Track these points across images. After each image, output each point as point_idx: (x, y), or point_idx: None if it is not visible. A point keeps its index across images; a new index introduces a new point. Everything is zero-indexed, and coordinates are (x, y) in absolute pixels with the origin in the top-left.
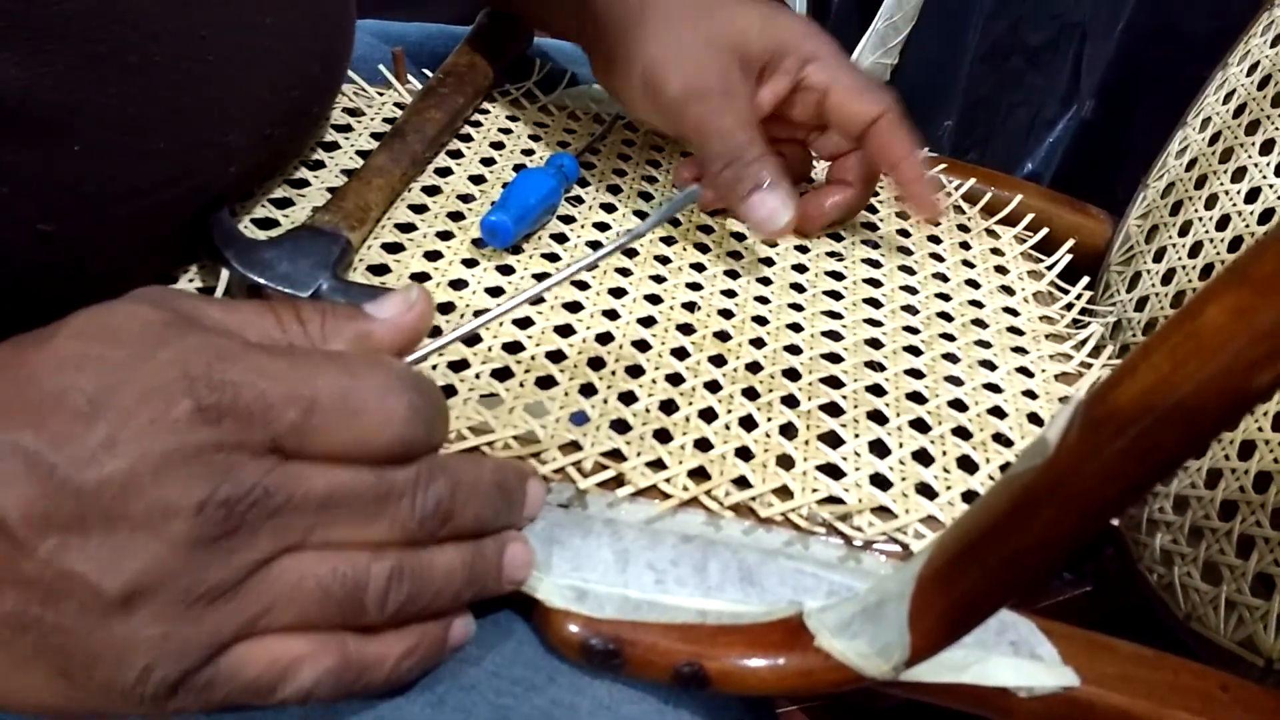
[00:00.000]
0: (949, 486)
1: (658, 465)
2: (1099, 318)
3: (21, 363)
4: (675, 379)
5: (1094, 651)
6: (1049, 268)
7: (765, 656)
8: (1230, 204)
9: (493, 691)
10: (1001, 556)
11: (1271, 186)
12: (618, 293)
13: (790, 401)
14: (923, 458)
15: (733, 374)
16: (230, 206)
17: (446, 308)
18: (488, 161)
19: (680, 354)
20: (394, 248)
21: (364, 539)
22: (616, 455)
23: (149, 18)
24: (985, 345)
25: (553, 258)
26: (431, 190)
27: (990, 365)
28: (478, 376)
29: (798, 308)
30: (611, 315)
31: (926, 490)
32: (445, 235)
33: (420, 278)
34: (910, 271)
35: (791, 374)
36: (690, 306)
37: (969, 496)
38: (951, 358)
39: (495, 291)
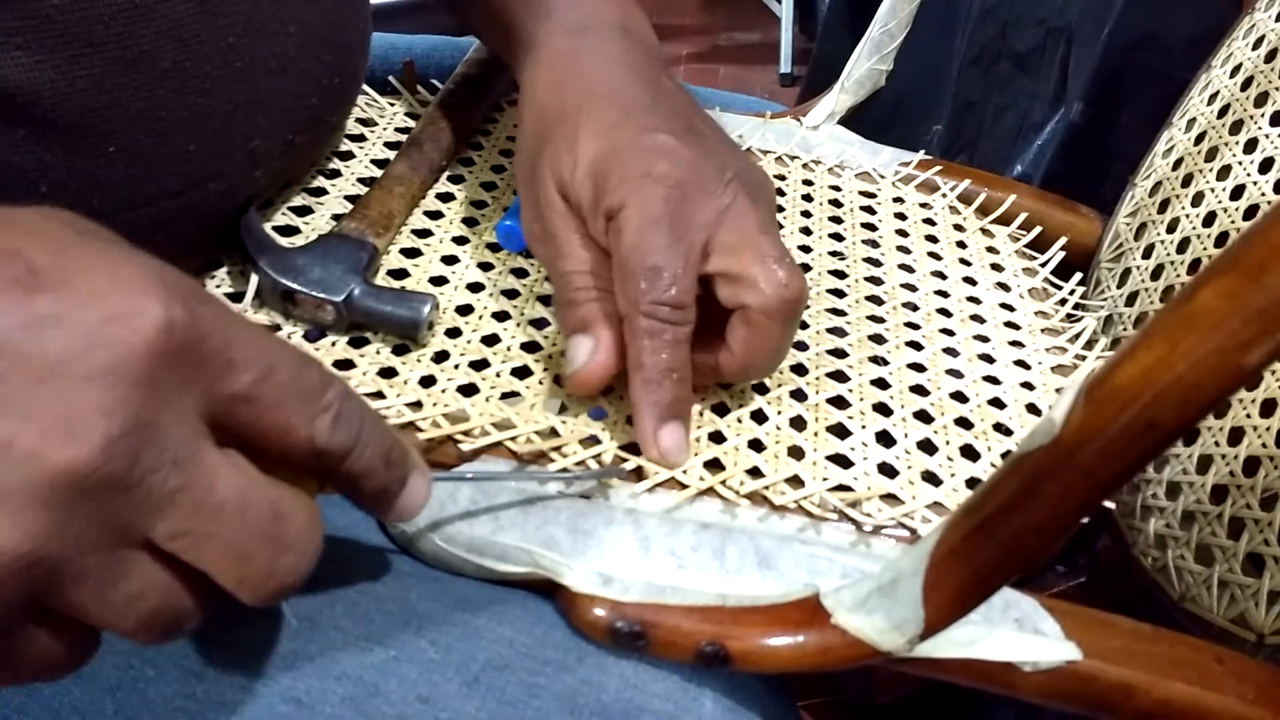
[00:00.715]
0: (953, 474)
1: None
2: (1092, 312)
3: None
4: None
5: (1095, 627)
6: (1043, 265)
7: (785, 635)
8: (1216, 201)
9: (525, 671)
10: (1011, 531)
11: (1256, 184)
12: None
13: (799, 395)
14: (927, 447)
15: None
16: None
17: (465, 310)
18: (499, 169)
19: None
20: (412, 253)
21: (234, 553)
22: (635, 449)
23: (180, 25)
24: (984, 339)
25: None
26: (446, 197)
27: (989, 358)
28: (498, 375)
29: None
30: None
31: (932, 478)
32: (461, 240)
33: (438, 281)
34: (909, 270)
35: (799, 369)
36: None
37: (972, 483)
38: (952, 352)
39: (511, 294)
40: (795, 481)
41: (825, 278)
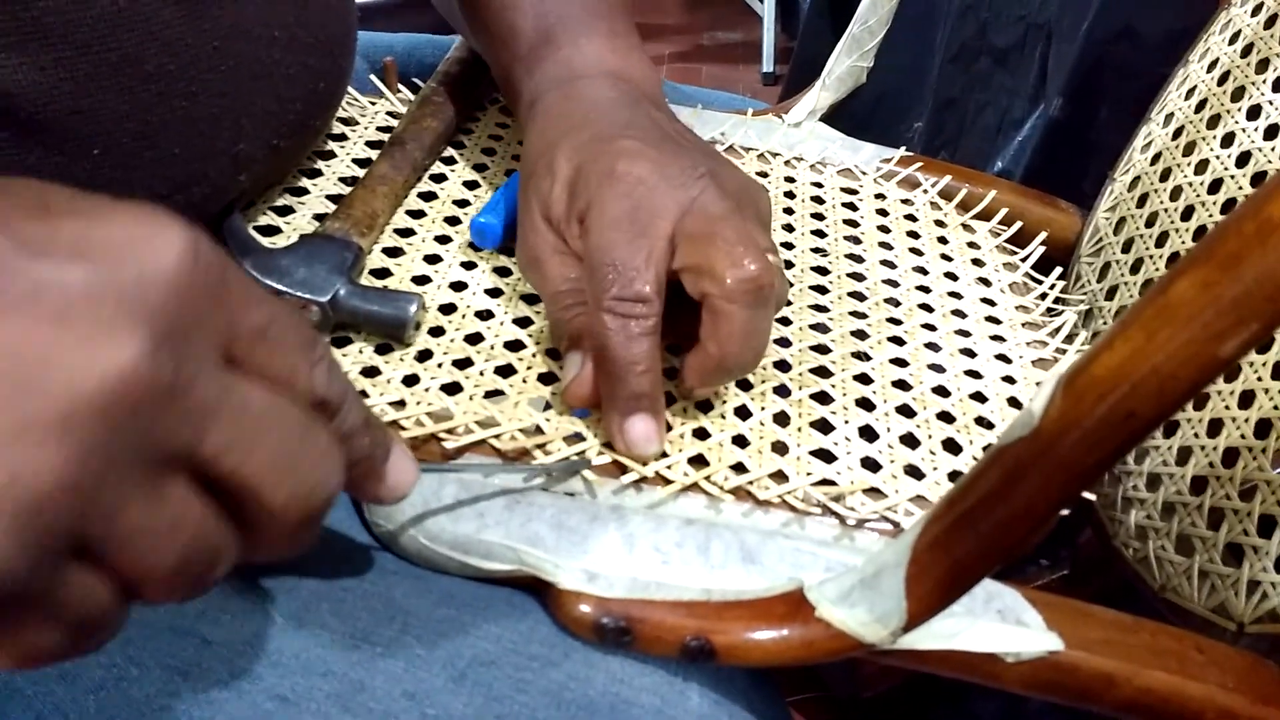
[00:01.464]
0: (935, 467)
1: (659, 454)
2: (1072, 306)
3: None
4: (671, 373)
5: (1076, 617)
6: (1023, 259)
7: (769, 628)
8: (1194, 195)
9: (512, 667)
10: (992, 523)
11: (1233, 177)
12: None
13: (782, 391)
14: (910, 441)
15: None
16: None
17: (448, 309)
18: (480, 168)
19: (675, 349)
20: (394, 252)
21: (280, 463)
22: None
23: (165, 28)
24: (965, 334)
25: None
26: (428, 196)
27: (970, 353)
28: (482, 374)
29: (785, 302)
30: None
31: (914, 471)
32: (443, 239)
33: (421, 280)
34: (891, 265)
35: (782, 365)
36: None
37: (954, 476)
38: (934, 346)
39: (494, 293)
40: (779, 476)
41: (808, 274)
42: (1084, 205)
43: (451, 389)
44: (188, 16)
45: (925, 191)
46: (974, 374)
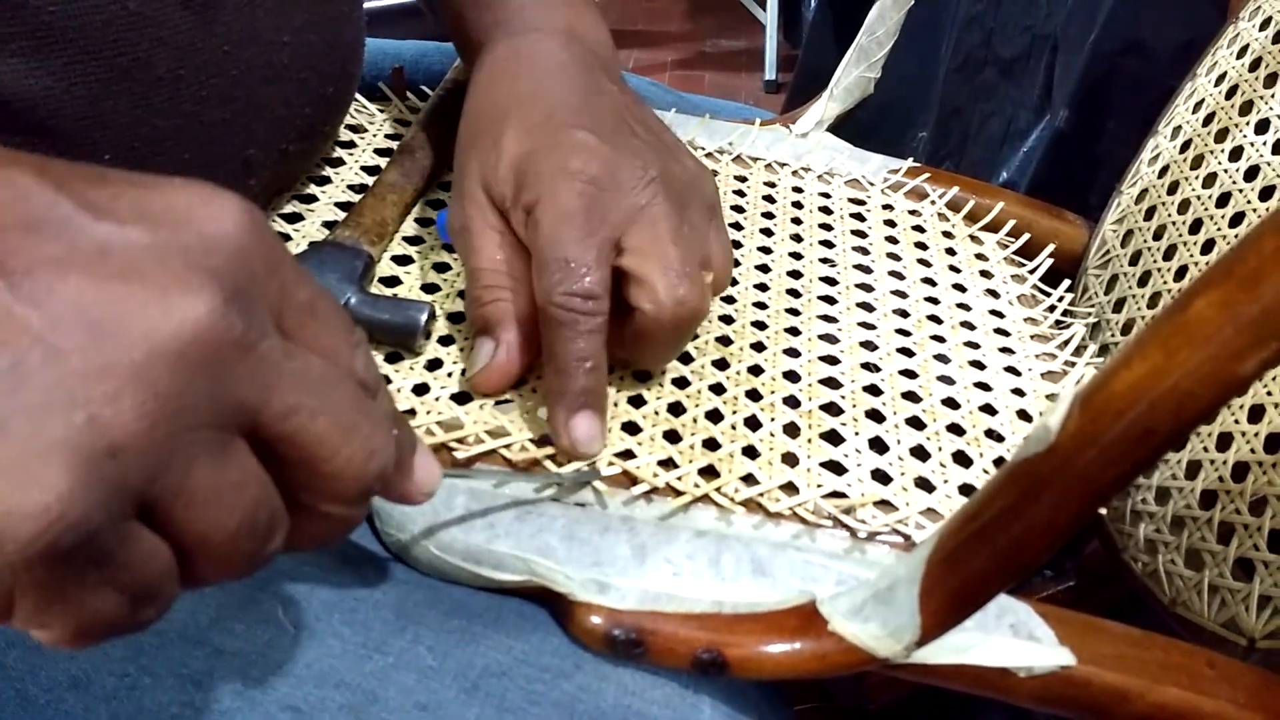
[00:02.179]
0: (946, 480)
1: (669, 464)
2: (1079, 318)
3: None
4: (681, 382)
5: (1088, 632)
6: (1031, 271)
7: (782, 642)
8: (1202, 208)
9: (523, 678)
10: (1007, 539)
11: (1241, 191)
12: None
13: (792, 402)
14: (920, 453)
15: (736, 377)
16: None
17: (457, 318)
18: None
19: (684, 359)
20: (404, 260)
21: (341, 425)
22: (628, 455)
23: (176, 33)
24: (974, 346)
25: None
26: (436, 204)
27: (980, 365)
28: None
29: (794, 313)
30: None
31: (925, 484)
32: (453, 248)
33: (430, 289)
34: (900, 277)
35: (792, 376)
36: None
37: (965, 489)
38: (943, 358)
39: None
40: (790, 488)
41: (816, 284)
42: (1090, 217)
43: (461, 398)
44: (198, 21)
45: (933, 203)
46: (984, 386)
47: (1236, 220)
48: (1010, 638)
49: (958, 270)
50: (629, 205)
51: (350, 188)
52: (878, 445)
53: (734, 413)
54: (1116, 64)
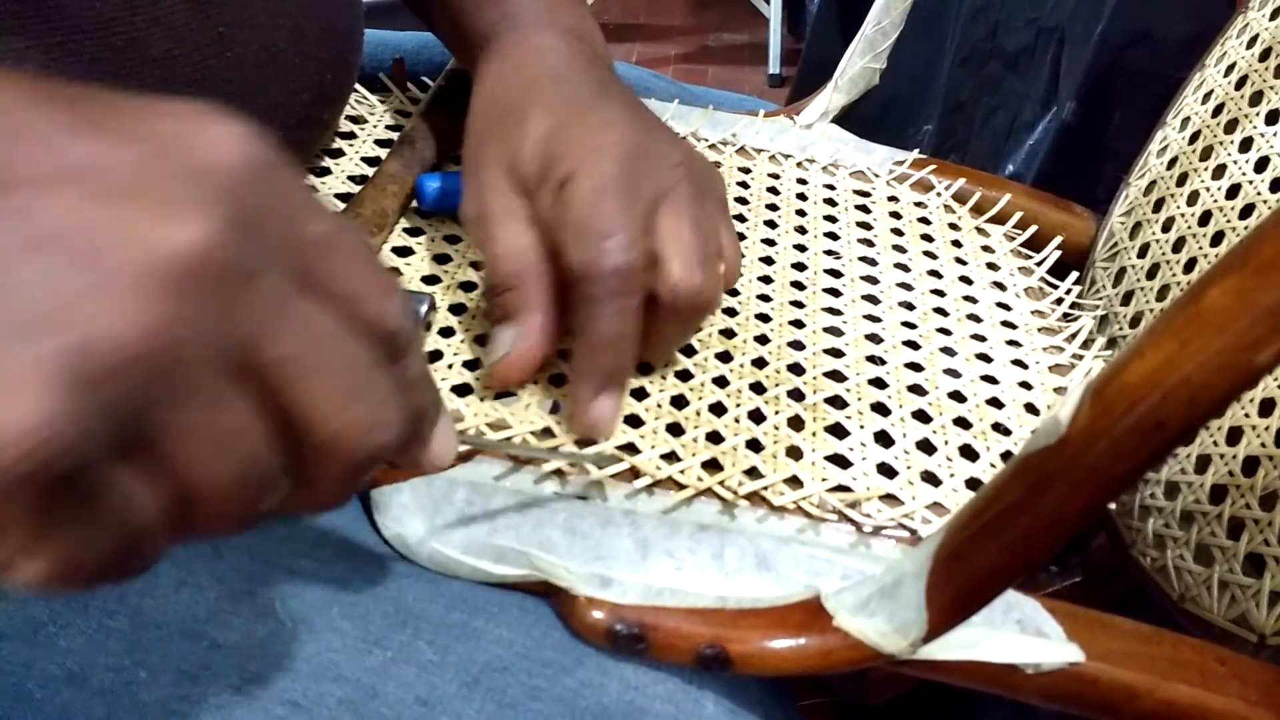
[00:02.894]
0: (953, 474)
1: (671, 458)
2: (1088, 311)
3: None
4: (684, 375)
5: (1097, 628)
6: (1038, 264)
7: (786, 637)
8: (1211, 200)
9: (525, 673)
10: (1016, 532)
11: (1251, 182)
12: None
13: (796, 395)
14: (926, 447)
15: (739, 369)
16: None
17: (458, 309)
18: None
19: (688, 351)
20: (404, 251)
21: (342, 389)
22: (631, 448)
23: (170, 13)
24: (981, 339)
25: None
26: None
27: (986, 358)
28: (491, 375)
29: (799, 305)
30: None
31: (931, 478)
32: (453, 239)
33: (430, 280)
34: (905, 269)
35: (796, 369)
36: None
37: (972, 483)
38: (949, 351)
39: None
40: (794, 482)
41: (821, 277)
42: (1097, 210)
43: (462, 390)
44: (194, 2)
45: (939, 194)
46: (990, 379)
47: (1247, 212)
48: (1018, 633)
49: (964, 262)
50: (659, 184)
51: (350, 178)
52: (883, 439)
53: (737, 405)
54: (1123, 56)
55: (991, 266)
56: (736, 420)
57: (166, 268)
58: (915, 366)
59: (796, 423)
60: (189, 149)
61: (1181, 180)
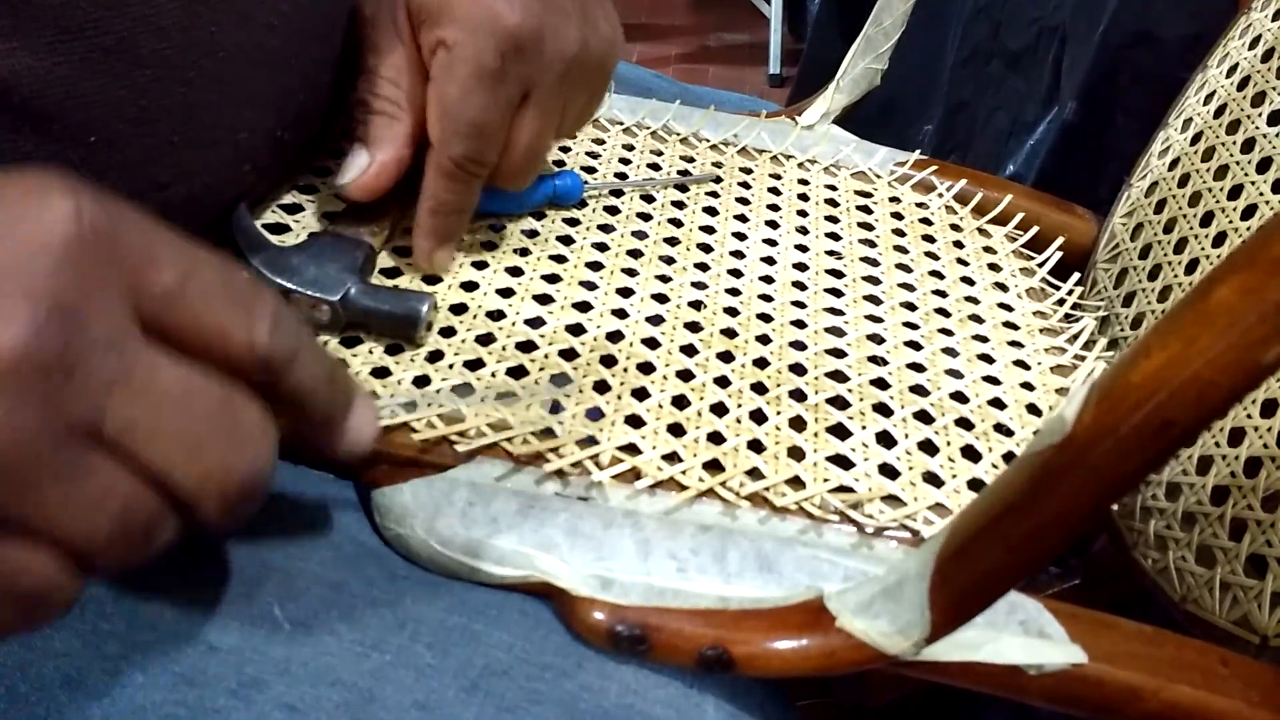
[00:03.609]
0: (955, 475)
1: (673, 458)
2: (1089, 312)
3: None
4: (685, 375)
5: (1100, 630)
6: (1040, 265)
7: (788, 638)
8: (1214, 201)
9: (524, 677)
10: (1021, 532)
11: (1254, 183)
12: (625, 292)
13: (798, 395)
14: (928, 448)
15: (741, 370)
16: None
17: (459, 309)
18: None
19: (689, 351)
20: (405, 251)
21: (186, 444)
22: (632, 449)
23: (159, 12)
24: (983, 340)
25: (559, 259)
26: None
27: (988, 359)
28: (494, 375)
29: (800, 305)
30: (620, 314)
31: (933, 479)
32: None
33: (431, 280)
34: (907, 269)
35: (798, 369)
36: (697, 305)
37: (974, 484)
38: (951, 352)
39: (505, 293)
40: (796, 483)
41: (822, 277)
42: (1098, 211)
43: (463, 391)
44: (184, 2)
45: (940, 195)
46: (992, 380)
47: (1249, 213)
48: (1021, 635)
49: (966, 263)
50: (533, 76)
51: None
52: (885, 439)
53: (739, 406)
54: (1125, 56)
55: (994, 267)
56: (738, 421)
57: None
58: (917, 367)
59: (798, 423)
60: (12, 238)
61: (1183, 181)
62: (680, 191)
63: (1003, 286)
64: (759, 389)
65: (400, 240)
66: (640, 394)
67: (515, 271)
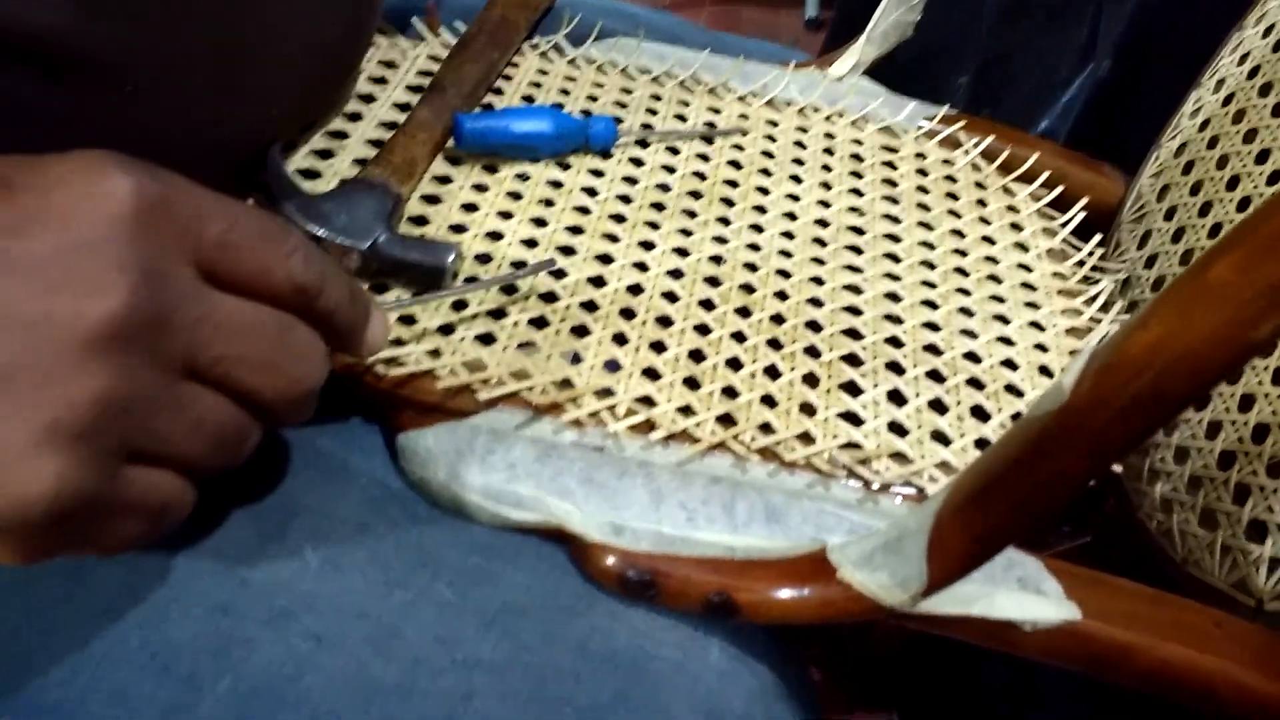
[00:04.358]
0: (963, 434)
1: (687, 411)
2: (1110, 274)
3: None
4: (703, 329)
5: (1096, 588)
6: (1062, 225)
7: (791, 587)
8: (1241, 165)
9: (538, 617)
10: (1018, 494)
11: None
12: (647, 245)
13: (813, 352)
14: (938, 406)
15: (758, 325)
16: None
17: (484, 258)
18: None
19: (708, 305)
20: (432, 199)
21: (263, 365)
22: (648, 401)
23: None
24: (999, 300)
25: (584, 210)
26: None
27: (1004, 319)
28: (515, 325)
29: (819, 262)
30: (642, 267)
31: (941, 437)
32: (481, 187)
33: (458, 229)
34: (929, 228)
35: (814, 326)
36: (717, 260)
37: (981, 444)
38: (967, 312)
39: (530, 243)
40: (805, 438)
41: (843, 234)
42: (1129, 170)
43: (486, 339)
44: None
45: (966, 152)
46: (1006, 341)
47: (1275, 179)
48: (1018, 591)
49: (988, 222)
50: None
51: (382, 124)
52: (896, 398)
53: (754, 361)
54: (1162, 13)
55: (1015, 227)
56: (752, 376)
57: (98, 336)
58: (932, 326)
59: (811, 379)
60: (86, 222)
61: (1212, 143)
62: (706, 144)
63: (1023, 247)
64: (774, 345)
65: (429, 187)
66: (658, 347)
67: (540, 222)
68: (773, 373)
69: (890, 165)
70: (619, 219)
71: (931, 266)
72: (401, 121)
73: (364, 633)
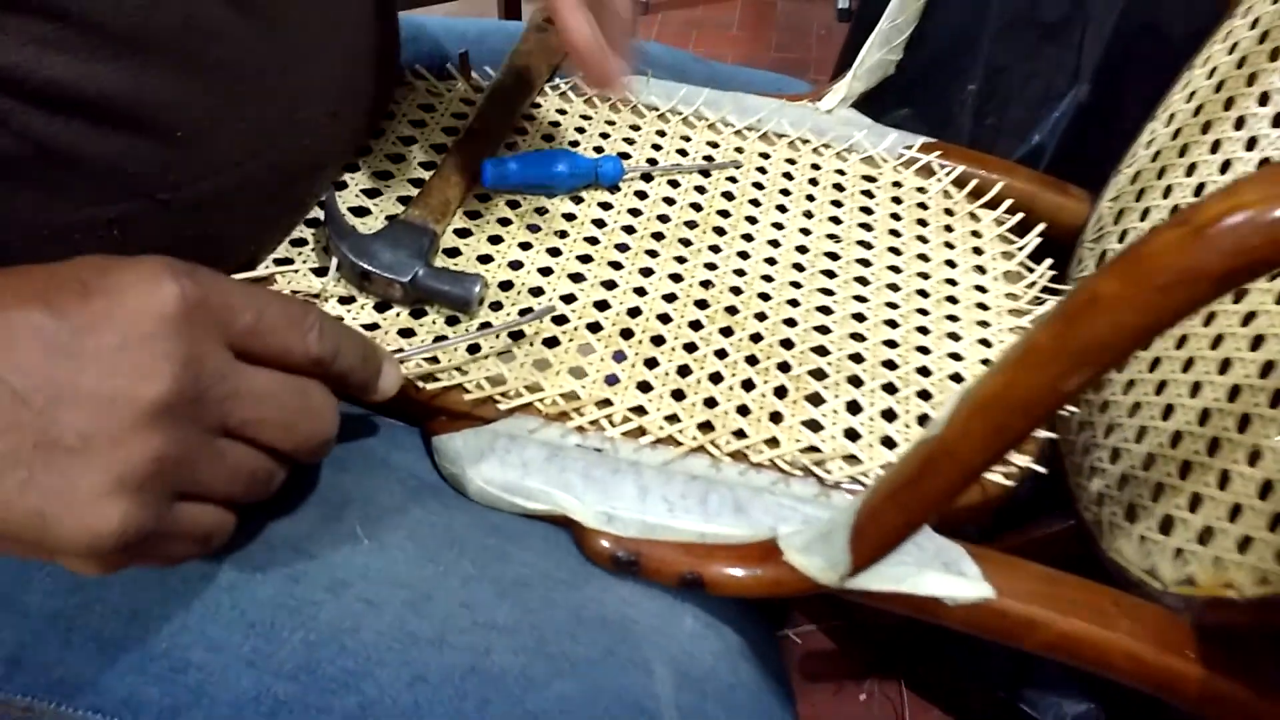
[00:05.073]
0: (907, 440)
1: (673, 419)
2: (1060, 295)
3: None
4: (691, 347)
5: (1010, 570)
6: (1019, 249)
7: (746, 568)
8: (1182, 196)
9: (543, 587)
10: (912, 500)
11: (1215, 183)
12: (646, 272)
13: (784, 367)
14: (889, 415)
15: (738, 343)
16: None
17: (506, 285)
18: None
19: (695, 326)
20: (464, 233)
21: (282, 425)
22: (640, 410)
23: (218, 23)
24: (954, 319)
25: (593, 241)
26: None
27: (956, 337)
28: (532, 345)
29: (797, 285)
30: (640, 292)
31: (889, 442)
32: (505, 222)
33: (484, 259)
34: (897, 252)
35: (787, 344)
36: (706, 284)
37: None
38: (924, 330)
39: (545, 271)
40: (772, 442)
41: (820, 259)
42: (1098, 192)
43: (506, 357)
44: (239, 13)
45: (939, 180)
46: (955, 356)
47: None
48: (942, 573)
49: (952, 247)
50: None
51: (420, 164)
52: (853, 407)
53: (733, 375)
54: (1134, 46)
55: (977, 251)
56: (730, 389)
57: (152, 411)
58: (891, 343)
59: (781, 391)
60: (142, 319)
61: (1161, 173)
62: (703, 176)
63: (982, 269)
64: (751, 360)
65: (460, 223)
66: (651, 363)
67: (554, 252)
68: (748, 385)
69: (868, 194)
70: (623, 248)
71: (896, 288)
72: (438, 164)
73: (404, 598)
